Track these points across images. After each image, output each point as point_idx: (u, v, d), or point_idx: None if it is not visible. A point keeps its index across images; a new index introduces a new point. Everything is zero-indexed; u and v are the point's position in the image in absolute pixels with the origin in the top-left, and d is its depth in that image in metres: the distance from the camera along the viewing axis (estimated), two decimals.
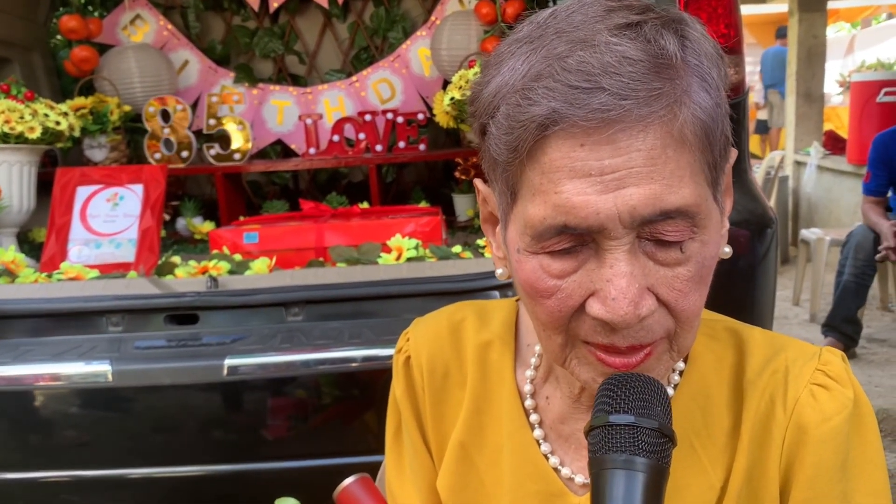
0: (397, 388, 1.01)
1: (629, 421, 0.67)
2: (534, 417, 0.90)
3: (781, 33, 10.36)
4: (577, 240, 0.69)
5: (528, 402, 0.91)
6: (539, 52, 0.68)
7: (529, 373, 0.92)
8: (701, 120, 0.68)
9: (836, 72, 10.88)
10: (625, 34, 0.66)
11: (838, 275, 4.53)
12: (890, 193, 4.57)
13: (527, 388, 0.92)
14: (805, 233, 5.57)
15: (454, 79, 2.74)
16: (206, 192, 3.85)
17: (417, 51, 3.58)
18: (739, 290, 1.81)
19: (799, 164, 7.67)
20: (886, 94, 6.01)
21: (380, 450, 1.22)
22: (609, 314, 0.68)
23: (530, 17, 0.74)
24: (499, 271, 0.85)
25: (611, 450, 0.67)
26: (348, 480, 1.05)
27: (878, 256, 4.31)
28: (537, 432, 0.90)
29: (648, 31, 0.66)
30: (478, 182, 0.86)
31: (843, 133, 7.30)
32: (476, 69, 2.65)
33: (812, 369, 0.82)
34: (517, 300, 1.00)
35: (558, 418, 0.90)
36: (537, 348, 0.93)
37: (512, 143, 0.68)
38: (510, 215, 0.75)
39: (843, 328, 4.42)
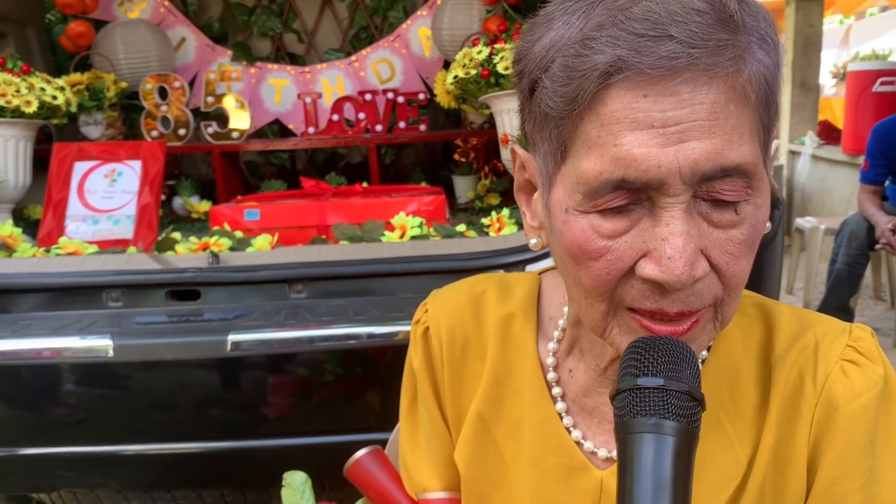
0: (415, 359, 1.00)
1: (658, 384, 0.66)
2: (556, 391, 0.89)
3: None
4: (632, 197, 0.67)
5: (551, 375, 0.90)
6: (596, 6, 0.66)
7: (552, 345, 0.91)
8: (764, 77, 0.68)
9: (830, 62, 10.90)
10: None
11: (831, 263, 4.55)
12: (887, 182, 4.58)
13: (549, 360, 0.90)
14: (799, 221, 5.59)
15: (458, 57, 2.72)
16: (202, 172, 3.83)
17: (418, 31, 3.55)
18: None
19: (793, 154, 7.69)
20: (882, 83, 6.02)
21: (383, 427, 1.21)
22: (664, 274, 0.67)
23: None
24: (532, 241, 0.83)
25: (639, 413, 0.65)
26: (360, 453, 1.04)
27: (877, 247, 4.34)
28: (560, 405, 0.89)
29: None
30: (516, 147, 0.84)
31: (837, 123, 7.32)
32: (480, 47, 2.62)
33: (842, 345, 0.82)
34: (540, 273, 0.99)
35: (581, 391, 0.89)
36: (560, 322, 0.92)
37: (570, 94, 0.66)
38: (556, 176, 0.73)
39: (834, 316, 4.43)
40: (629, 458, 0.65)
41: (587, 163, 0.67)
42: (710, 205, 0.68)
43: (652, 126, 0.64)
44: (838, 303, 4.47)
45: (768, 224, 0.77)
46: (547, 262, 1.85)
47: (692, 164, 0.64)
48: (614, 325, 0.75)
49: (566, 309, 0.91)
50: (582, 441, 0.87)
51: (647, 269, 0.68)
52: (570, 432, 0.88)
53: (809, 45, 7.54)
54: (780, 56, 0.70)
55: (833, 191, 6.86)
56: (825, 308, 4.49)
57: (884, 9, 12.42)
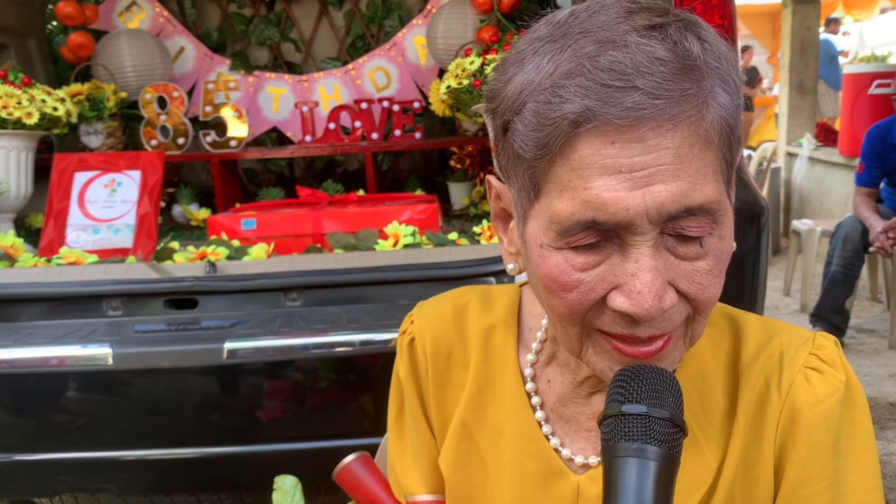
0: (401, 369, 1.03)
1: (641, 411, 0.69)
2: (535, 400, 0.93)
3: (828, 22, 10.45)
4: (603, 235, 0.70)
5: (530, 386, 0.93)
6: (565, 51, 0.69)
7: (531, 357, 0.94)
8: (724, 120, 0.70)
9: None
10: (652, 35, 0.67)
11: (826, 265, 4.57)
12: (882, 185, 4.61)
13: (528, 371, 0.94)
14: (796, 224, 5.60)
15: (450, 67, 2.75)
16: (201, 180, 3.87)
17: (413, 39, 3.59)
18: (730, 278, 1.83)
19: (791, 156, 7.71)
20: (878, 85, 6.04)
21: (377, 432, 1.24)
22: (634, 308, 0.70)
23: (547, 17, 0.75)
24: (510, 266, 0.86)
25: (623, 438, 0.69)
26: (348, 459, 1.07)
27: (870, 250, 4.36)
28: (539, 414, 0.92)
29: (673, 33, 0.68)
30: (491, 178, 0.87)
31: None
32: (472, 58, 2.66)
33: (806, 353, 0.85)
34: (520, 286, 1.02)
35: (559, 401, 0.92)
36: (539, 333, 0.95)
37: (542, 140, 0.69)
38: (531, 211, 0.76)
39: (830, 318, 4.46)
40: (613, 481, 0.68)
41: (559, 204, 0.70)
42: (676, 240, 0.71)
43: (620, 171, 0.67)
44: (834, 305, 4.50)
45: (733, 244, 0.81)
46: None
47: (658, 206, 0.68)
48: (589, 346, 0.78)
49: (544, 321, 0.95)
50: (560, 448, 0.90)
51: (619, 302, 0.71)
52: (548, 440, 0.91)
53: (806, 48, 7.56)
54: (740, 92, 0.73)
55: (831, 192, 6.88)
56: (821, 310, 4.51)
57: (882, 10, 12.43)
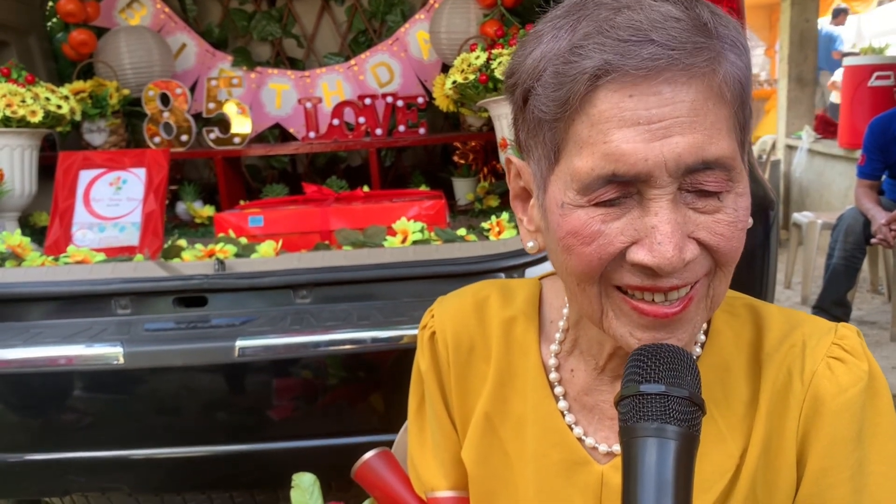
0: (422, 363, 1.04)
1: (660, 390, 0.70)
2: (558, 389, 0.94)
3: (836, 13, 10.42)
4: (622, 190, 0.72)
5: (553, 375, 0.94)
6: (582, 20, 0.72)
7: (554, 347, 0.95)
8: (737, 78, 0.73)
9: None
10: (666, 1, 0.71)
11: (828, 258, 4.58)
12: (884, 177, 4.62)
13: (551, 361, 0.95)
14: (797, 216, 5.61)
15: (456, 62, 2.75)
16: (204, 176, 3.86)
17: (416, 34, 3.58)
18: (740, 273, 1.83)
19: (790, 148, 7.71)
20: (878, 77, 6.04)
21: (388, 429, 1.25)
22: (655, 259, 0.71)
23: (563, 3, 0.77)
24: (529, 244, 0.88)
25: (642, 418, 0.69)
26: (368, 455, 1.07)
27: (873, 241, 4.37)
28: (562, 404, 0.93)
29: (684, 1, 0.72)
30: (511, 157, 0.88)
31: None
32: (477, 52, 2.65)
33: (828, 343, 0.85)
34: (540, 279, 1.03)
35: (582, 390, 0.93)
36: (561, 324, 0.96)
37: (562, 98, 0.72)
38: (551, 177, 0.78)
39: (832, 310, 4.47)
40: (633, 462, 0.68)
41: (579, 161, 0.73)
42: (695, 195, 0.73)
43: (638, 123, 0.69)
44: (835, 297, 4.50)
45: (750, 220, 0.82)
46: (546, 266, 1.88)
47: (676, 157, 0.70)
48: (609, 309, 0.79)
49: (566, 311, 0.95)
50: (583, 437, 0.91)
51: (640, 255, 0.73)
52: (572, 429, 0.92)
53: (805, 40, 7.55)
54: (750, 60, 0.76)
55: (831, 185, 6.89)
56: (822, 302, 4.52)
57: (880, 1, 12.43)
